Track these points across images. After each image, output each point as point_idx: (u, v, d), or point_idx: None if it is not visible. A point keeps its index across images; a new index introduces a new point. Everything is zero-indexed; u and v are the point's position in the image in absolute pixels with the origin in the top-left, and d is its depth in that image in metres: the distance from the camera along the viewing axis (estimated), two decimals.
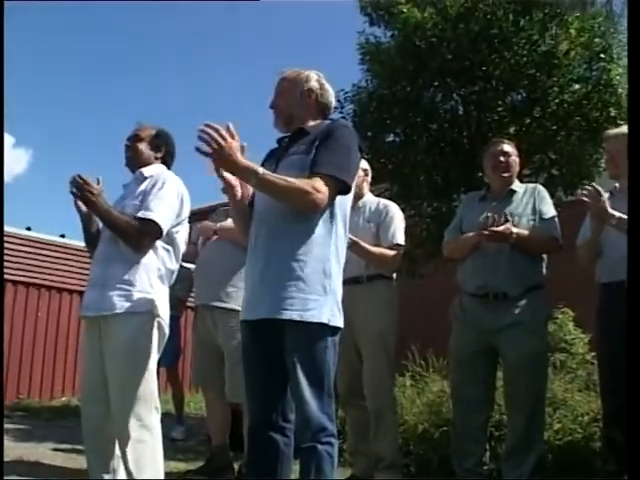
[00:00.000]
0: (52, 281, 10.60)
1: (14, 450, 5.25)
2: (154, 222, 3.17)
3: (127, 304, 3.13)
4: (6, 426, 6.73)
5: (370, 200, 4.35)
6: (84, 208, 3.34)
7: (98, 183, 3.26)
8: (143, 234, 3.17)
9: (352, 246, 3.69)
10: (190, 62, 32.16)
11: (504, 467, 3.87)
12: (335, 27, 26.92)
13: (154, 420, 3.15)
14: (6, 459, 4.83)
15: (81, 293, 10.08)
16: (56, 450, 5.39)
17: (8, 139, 30.02)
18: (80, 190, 3.19)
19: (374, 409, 4.05)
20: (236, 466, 4.48)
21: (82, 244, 9.89)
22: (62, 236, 11.23)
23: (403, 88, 8.09)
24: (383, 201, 4.38)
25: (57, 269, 10.68)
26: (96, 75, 30.58)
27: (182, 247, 3.40)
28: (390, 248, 4.13)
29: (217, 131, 2.42)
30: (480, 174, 6.20)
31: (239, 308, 4.23)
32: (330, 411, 2.60)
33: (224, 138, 2.42)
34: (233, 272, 4.31)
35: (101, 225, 3.35)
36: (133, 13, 28.25)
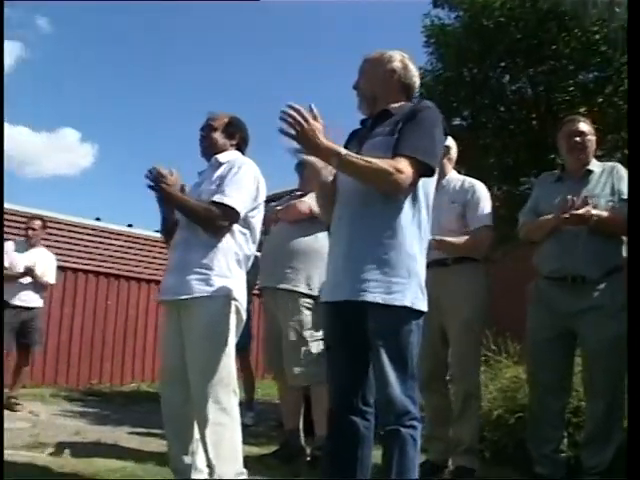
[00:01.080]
0: (121, 270, 10.80)
1: (92, 433, 5.39)
2: (231, 206, 3.19)
3: (206, 288, 3.15)
4: (83, 410, 6.94)
5: (454, 178, 4.19)
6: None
7: (172, 174, 3.29)
8: (220, 218, 3.19)
9: (438, 245, 3.65)
10: (253, 51, 32.27)
11: (583, 455, 3.77)
12: (398, 10, 26.62)
13: (233, 403, 3.17)
14: (85, 440, 4.98)
15: (149, 281, 10.40)
16: (131, 433, 5.48)
17: (74, 135, 30.75)
18: (156, 182, 3.24)
19: (461, 392, 3.98)
20: (309, 450, 4.49)
21: (149, 233, 10.16)
22: (130, 226, 11.43)
23: (470, 70, 7.96)
24: (469, 180, 4.20)
25: (125, 258, 10.88)
26: (159, 69, 30.96)
27: (258, 231, 3.41)
28: (478, 230, 4.03)
29: (300, 112, 2.41)
30: (551, 155, 6.06)
31: (298, 289, 4.32)
32: (413, 394, 2.56)
33: (306, 119, 2.41)
34: (292, 253, 4.32)
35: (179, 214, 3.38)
36: (194, 9, 28.52)
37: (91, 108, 29.23)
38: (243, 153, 3.54)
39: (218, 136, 3.48)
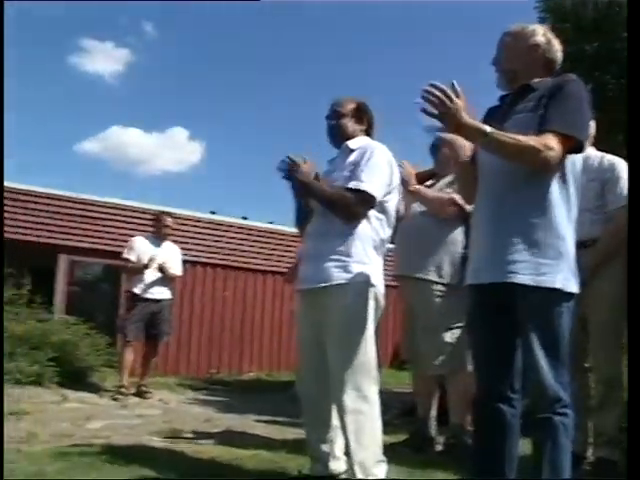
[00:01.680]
0: (237, 262, 11.00)
1: (221, 420, 5.50)
2: (367, 192, 3.15)
3: (344, 275, 3.13)
4: (209, 398, 7.08)
5: (593, 155, 3.97)
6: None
7: (305, 162, 3.28)
8: (356, 205, 3.16)
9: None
10: (353, 49, 32.21)
11: None
12: None
13: (373, 391, 3.13)
14: (215, 429, 5.08)
15: (265, 272, 10.54)
16: (258, 421, 5.55)
17: (183, 132, 31.55)
18: (290, 171, 3.23)
19: (605, 379, 3.82)
20: (442, 439, 4.41)
21: (264, 225, 10.29)
22: (244, 218, 11.63)
23: (590, 44, 7.60)
24: (608, 157, 3.98)
25: (241, 250, 11.07)
26: (262, 68, 31.38)
27: (393, 215, 3.35)
28: (617, 211, 3.78)
29: (443, 91, 2.33)
30: None
31: (428, 277, 4.24)
32: (564, 380, 2.45)
33: (450, 97, 2.34)
34: (423, 241, 4.25)
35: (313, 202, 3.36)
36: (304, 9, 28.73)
37: (199, 107, 29.93)
38: (371, 137, 3.49)
39: (347, 122, 3.44)
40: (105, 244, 9.90)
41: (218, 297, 10.83)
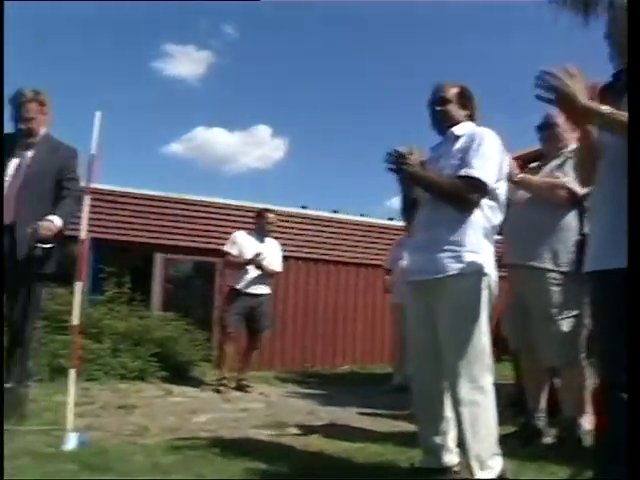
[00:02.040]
0: (330, 255, 10.99)
1: (323, 413, 5.49)
2: (479, 179, 3.05)
3: (458, 265, 3.05)
4: (308, 391, 7.09)
5: None
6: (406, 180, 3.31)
7: (412, 153, 3.20)
8: (469, 192, 3.07)
9: None
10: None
11: None
12: None
13: (488, 382, 3.05)
14: (318, 422, 5.06)
15: (358, 265, 10.50)
16: (361, 414, 5.50)
17: (266, 130, 31.84)
18: (397, 163, 3.16)
19: None
20: (553, 432, 4.26)
21: (356, 218, 10.27)
22: (335, 211, 11.61)
23: None
24: None
25: (333, 243, 11.05)
26: (342, 57, 31.36)
27: (504, 202, 3.24)
28: None
29: (556, 76, 2.23)
30: None
31: (545, 266, 4.09)
32: None
33: (564, 82, 2.23)
34: (537, 229, 4.11)
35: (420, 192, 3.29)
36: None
37: (281, 104, 30.23)
38: (475, 123, 3.38)
39: (452, 108, 3.35)
40: (198, 241, 10.06)
41: (311, 291, 10.86)
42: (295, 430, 4.68)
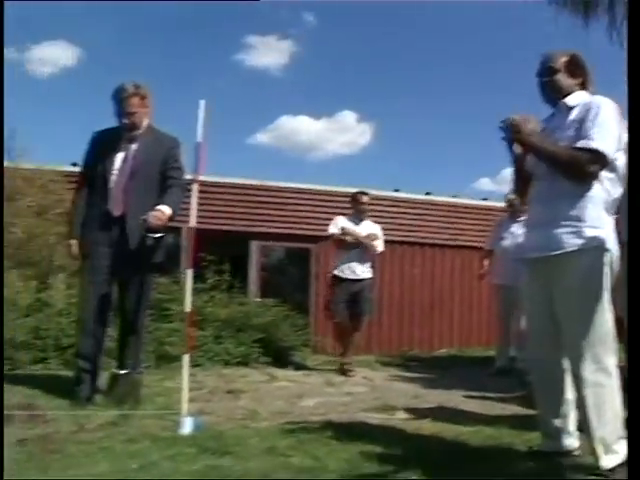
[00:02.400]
0: (424, 238, 10.89)
1: (429, 396, 5.43)
2: (599, 151, 2.92)
3: (578, 241, 2.93)
4: (410, 375, 7.03)
5: None
6: (518, 150, 3.20)
7: (528, 122, 3.09)
8: (588, 164, 2.94)
9: None
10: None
11: None
12: None
13: (612, 363, 2.93)
14: (426, 405, 5.00)
15: (452, 247, 10.35)
16: (467, 397, 5.41)
17: (351, 115, 31.75)
18: (513, 133, 3.06)
19: None
20: None
21: (448, 199, 10.09)
22: (428, 194, 11.45)
23: None
24: None
25: (427, 226, 10.93)
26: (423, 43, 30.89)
27: (624, 174, 3.09)
28: None
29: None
30: None
31: None
32: None
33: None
34: None
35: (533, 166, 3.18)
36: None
37: (365, 89, 30.04)
38: (589, 92, 3.23)
39: (561, 77, 3.21)
40: (293, 228, 10.13)
41: (407, 275, 10.79)
42: (404, 414, 4.64)
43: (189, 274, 4.01)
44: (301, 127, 33.52)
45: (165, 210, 4.26)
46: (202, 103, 3.97)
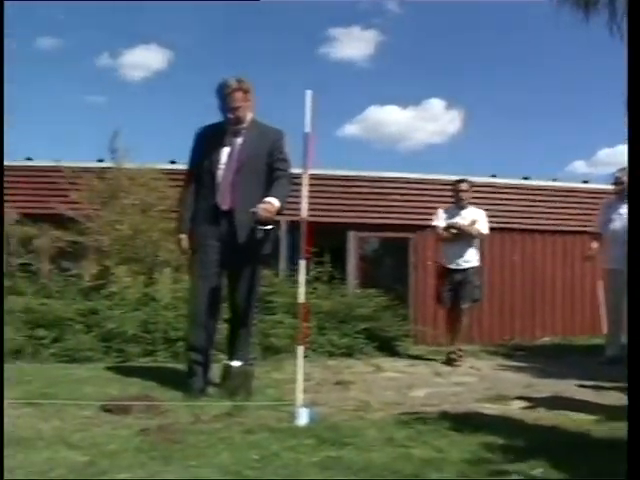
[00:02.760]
0: (522, 224, 10.60)
1: (542, 386, 5.29)
2: None
3: None
4: (519, 364, 6.87)
5: None
6: None
7: None
8: None
9: None
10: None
11: None
12: None
13: None
14: (539, 395, 4.86)
15: (553, 233, 10.07)
16: (581, 387, 5.24)
17: (439, 103, 31.32)
18: None
19: None
20: None
21: (546, 183, 9.82)
22: (525, 178, 11.15)
23: None
24: None
25: (524, 211, 10.64)
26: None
27: None
28: None
29: None
30: None
31: None
32: None
33: None
34: None
35: None
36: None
37: (452, 76, 29.52)
38: None
39: None
40: (390, 218, 10.07)
41: (506, 262, 10.54)
42: (519, 403, 4.53)
43: (302, 265, 4.01)
44: (389, 117, 33.25)
45: (274, 202, 4.27)
46: (308, 93, 3.95)
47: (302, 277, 3.98)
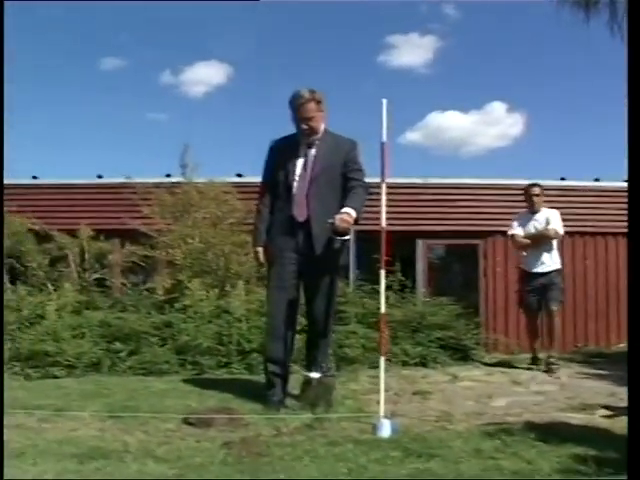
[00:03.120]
0: (594, 227, 10.38)
1: (624, 394, 5.12)
2: None
3: None
4: (598, 372, 6.69)
5: None
6: None
7: None
8: None
9: None
10: None
11: None
12: None
13: None
14: (624, 403, 4.71)
15: (624, 235, 9.82)
16: None
17: (501, 106, 30.93)
18: None
19: None
20: None
21: (617, 184, 9.61)
22: (596, 180, 10.92)
23: None
24: None
25: (596, 214, 10.42)
26: None
27: None
28: None
29: None
30: None
31: None
32: None
33: None
34: None
35: None
36: None
37: (514, 78, 29.13)
38: None
39: None
40: (458, 224, 9.98)
41: (578, 266, 10.33)
42: (604, 412, 4.41)
43: (382, 274, 4.00)
44: (451, 122, 32.98)
45: (351, 212, 4.27)
46: (384, 102, 3.95)
47: (382, 287, 3.97)
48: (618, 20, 7.71)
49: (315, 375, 4.50)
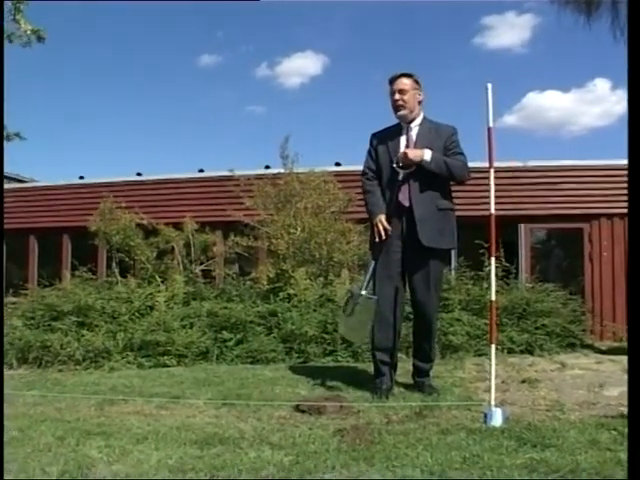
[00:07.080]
0: None
1: None
2: None
3: None
4: None
5: None
6: None
7: None
8: None
9: None
10: None
11: None
12: None
13: None
14: None
15: None
16: None
17: (605, 83, 29.78)
18: None
19: None
20: None
21: None
22: None
23: None
24: None
25: None
26: None
27: None
28: None
29: None
30: None
31: None
32: None
33: None
34: None
35: None
36: None
37: (618, 52, 28.06)
38: None
39: None
40: (562, 207, 9.74)
41: None
42: None
43: (492, 262, 3.97)
44: (550, 102, 32.05)
45: (425, 150, 4.43)
46: (489, 87, 3.90)
47: (493, 274, 3.94)
48: (620, 24, 7.49)
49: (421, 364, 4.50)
